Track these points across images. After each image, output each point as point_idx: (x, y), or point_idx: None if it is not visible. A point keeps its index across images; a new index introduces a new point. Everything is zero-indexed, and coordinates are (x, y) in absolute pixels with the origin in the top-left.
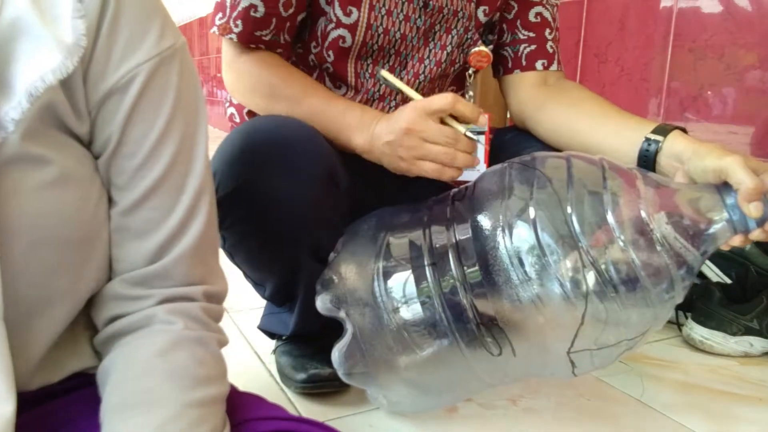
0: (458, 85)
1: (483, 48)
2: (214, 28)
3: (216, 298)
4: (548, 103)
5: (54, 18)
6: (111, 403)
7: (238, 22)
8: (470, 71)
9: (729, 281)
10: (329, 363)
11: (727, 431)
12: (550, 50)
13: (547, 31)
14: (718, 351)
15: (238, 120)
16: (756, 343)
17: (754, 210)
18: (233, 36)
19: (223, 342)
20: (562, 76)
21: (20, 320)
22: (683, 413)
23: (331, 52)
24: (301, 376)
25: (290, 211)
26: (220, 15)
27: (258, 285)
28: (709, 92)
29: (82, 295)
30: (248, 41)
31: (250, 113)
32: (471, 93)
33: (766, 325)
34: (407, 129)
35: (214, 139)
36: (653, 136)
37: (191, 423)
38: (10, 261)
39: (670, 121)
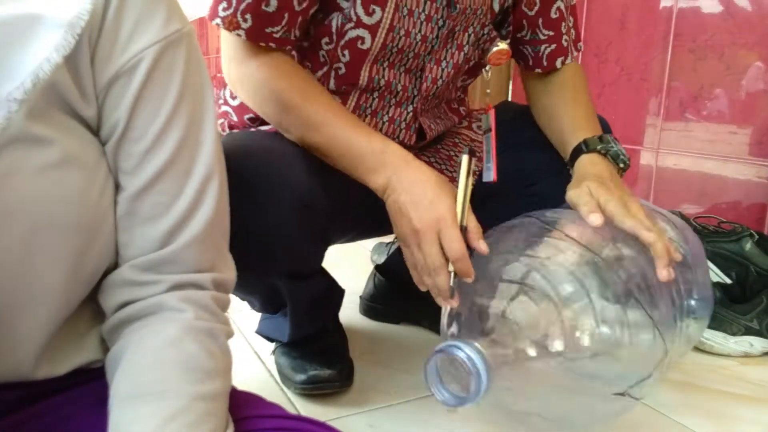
0: (470, 74)
1: (504, 46)
2: (217, 20)
3: (224, 286)
4: (538, 88)
5: None
6: (121, 390)
7: (247, 16)
8: (487, 68)
9: (729, 281)
10: (329, 364)
11: (727, 431)
12: (565, 44)
13: (563, 25)
14: (718, 351)
15: (235, 119)
16: (756, 343)
17: (594, 220)
18: (241, 33)
19: (230, 334)
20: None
21: (17, 305)
22: (683, 413)
23: (346, 52)
24: (301, 377)
25: (260, 242)
26: (224, 5)
27: (245, 299)
28: (716, 90)
29: (82, 282)
30: (258, 38)
31: (253, 119)
32: (488, 90)
33: (766, 325)
34: (414, 231)
35: None
36: (571, 161)
37: (199, 416)
38: (9, 245)
39: (670, 122)
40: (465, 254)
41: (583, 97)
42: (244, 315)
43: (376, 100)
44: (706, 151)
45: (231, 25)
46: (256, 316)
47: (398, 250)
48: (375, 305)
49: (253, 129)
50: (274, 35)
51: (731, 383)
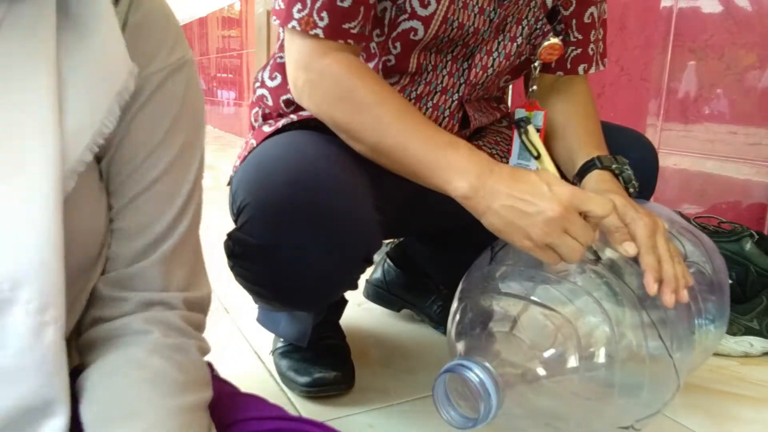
0: (513, 74)
1: (556, 41)
2: (293, 23)
3: (198, 305)
4: (549, 100)
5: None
6: (89, 418)
7: (323, 14)
8: (536, 63)
9: (729, 281)
10: (332, 366)
11: (727, 431)
12: (591, 53)
13: (593, 32)
14: (718, 351)
15: (271, 103)
16: (756, 343)
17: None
18: (318, 31)
19: (204, 349)
20: (576, 78)
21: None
22: (683, 413)
23: (398, 44)
24: (306, 379)
25: (313, 286)
26: (298, 7)
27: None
28: (718, 90)
29: (85, 296)
30: (336, 36)
31: (288, 101)
32: (535, 87)
33: (766, 325)
34: (557, 216)
35: (215, 138)
36: (578, 175)
37: (174, 430)
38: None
39: (671, 122)
40: (613, 204)
41: (594, 114)
42: (244, 315)
43: (422, 85)
44: (706, 151)
45: (308, 25)
46: (255, 316)
47: (409, 241)
48: (380, 290)
49: (292, 133)
50: (352, 31)
51: (731, 383)
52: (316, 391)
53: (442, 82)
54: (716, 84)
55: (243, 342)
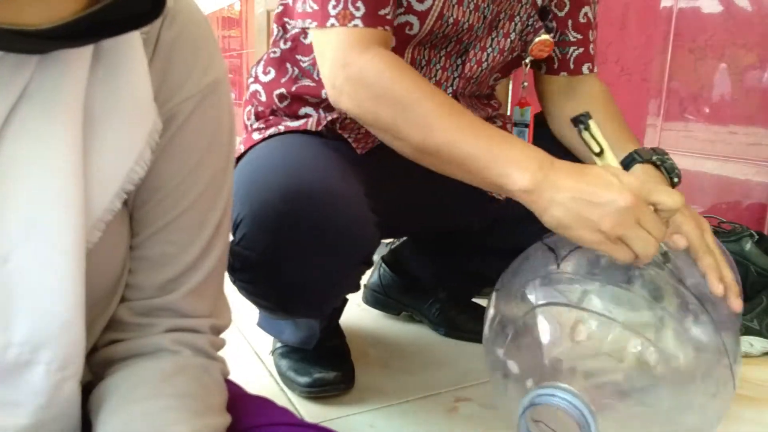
0: (503, 72)
1: (547, 37)
2: (331, 20)
3: (220, 331)
4: (568, 104)
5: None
6: (115, 424)
7: (359, 4)
8: (527, 60)
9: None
10: (332, 366)
11: (727, 431)
12: (592, 52)
13: (591, 32)
14: None
15: (264, 99)
16: (756, 343)
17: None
18: (357, 21)
19: (225, 372)
20: (589, 76)
21: None
22: None
23: (393, 39)
24: (306, 380)
25: (316, 295)
26: (333, 3)
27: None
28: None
29: (104, 320)
30: (375, 23)
31: (282, 96)
32: (526, 83)
33: (766, 325)
34: (630, 206)
35: None
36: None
37: None
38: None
39: (671, 122)
40: (682, 196)
41: (618, 112)
42: (244, 315)
43: None
44: (706, 151)
45: (345, 18)
46: (256, 317)
47: (402, 246)
48: (378, 294)
49: (282, 140)
50: (387, 17)
51: None
52: (316, 392)
53: (435, 76)
54: (716, 84)
55: (243, 342)
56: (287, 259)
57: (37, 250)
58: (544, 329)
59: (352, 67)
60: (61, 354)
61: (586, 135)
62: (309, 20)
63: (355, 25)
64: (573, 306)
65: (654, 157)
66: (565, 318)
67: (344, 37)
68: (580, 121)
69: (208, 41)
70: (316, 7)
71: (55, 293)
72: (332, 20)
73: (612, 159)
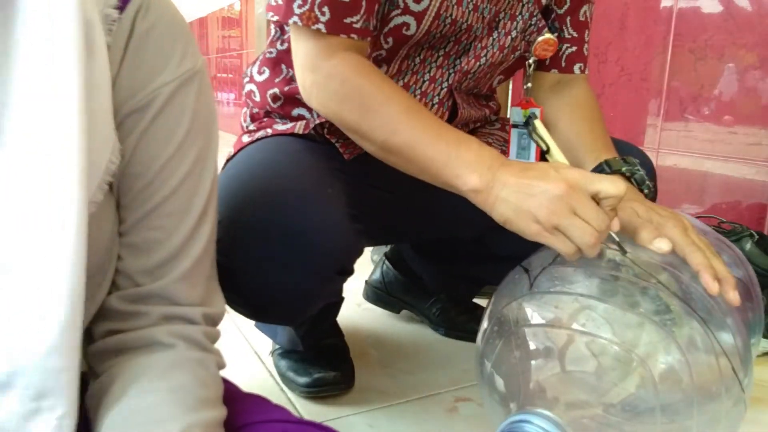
0: (506, 74)
1: (551, 36)
2: (294, 18)
3: (214, 320)
4: (552, 103)
5: None
6: (110, 421)
7: (325, 8)
8: (531, 60)
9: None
10: (332, 366)
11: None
12: (585, 53)
13: (586, 32)
14: None
15: (258, 99)
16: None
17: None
18: (320, 26)
19: (221, 364)
20: (578, 78)
21: None
22: None
23: (390, 39)
24: (306, 380)
25: (288, 303)
26: (299, 2)
27: None
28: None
29: (92, 311)
30: (338, 30)
31: (275, 96)
32: (529, 84)
33: (767, 324)
34: (563, 194)
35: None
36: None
37: None
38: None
39: (670, 122)
40: (626, 185)
41: (599, 117)
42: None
43: (409, 74)
44: (706, 151)
45: (309, 20)
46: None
47: (401, 248)
48: (379, 291)
49: (265, 144)
50: (354, 25)
51: None
52: (316, 391)
53: (429, 72)
54: (716, 84)
55: (243, 342)
56: (256, 267)
57: (25, 276)
58: (522, 354)
59: (318, 73)
60: (38, 382)
61: (534, 135)
62: (271, 14)
63: (318, 29)
64: (550, 326)
65: (624, 168)
66: (541, 340)
67: (313, 42)
68: (527, 124)
69: (183, 33)
70: (280, 1)
71: (54, 294)
72: (295, 18)
73: (559, 155)
